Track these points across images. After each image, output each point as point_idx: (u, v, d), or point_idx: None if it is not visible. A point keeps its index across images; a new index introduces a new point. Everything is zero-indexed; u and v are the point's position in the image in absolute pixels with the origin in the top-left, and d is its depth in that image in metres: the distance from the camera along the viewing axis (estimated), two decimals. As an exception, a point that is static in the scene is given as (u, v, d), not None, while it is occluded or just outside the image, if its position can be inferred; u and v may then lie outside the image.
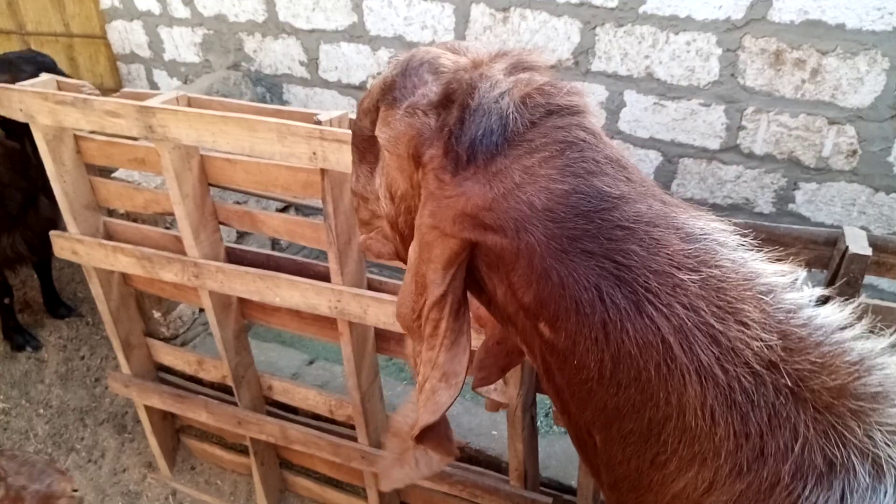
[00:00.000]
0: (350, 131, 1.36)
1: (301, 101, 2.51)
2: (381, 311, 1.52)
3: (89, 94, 1.75)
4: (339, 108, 2.45)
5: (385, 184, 0.72)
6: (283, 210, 2.44)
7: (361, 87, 2.39)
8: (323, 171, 1.43)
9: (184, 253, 1.79)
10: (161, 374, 2.09)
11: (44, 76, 1.84)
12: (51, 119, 1.71)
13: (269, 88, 2.51)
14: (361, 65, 2.32)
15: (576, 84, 0.58)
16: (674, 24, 1.82)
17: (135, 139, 1.65)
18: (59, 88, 1.83)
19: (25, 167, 2.43)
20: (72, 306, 3.34)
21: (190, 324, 2.19)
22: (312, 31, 2.33)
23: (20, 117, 1.75)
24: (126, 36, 2.74)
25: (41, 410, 2.71)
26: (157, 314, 2.09)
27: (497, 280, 0.61)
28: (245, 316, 1.89)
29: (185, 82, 2.74)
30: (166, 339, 2.09)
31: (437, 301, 0.63)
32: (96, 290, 2.02)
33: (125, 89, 1.65)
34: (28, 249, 2.93)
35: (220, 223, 1.78)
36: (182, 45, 2.63)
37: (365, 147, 0.76)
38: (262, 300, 1.68)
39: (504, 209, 0.58)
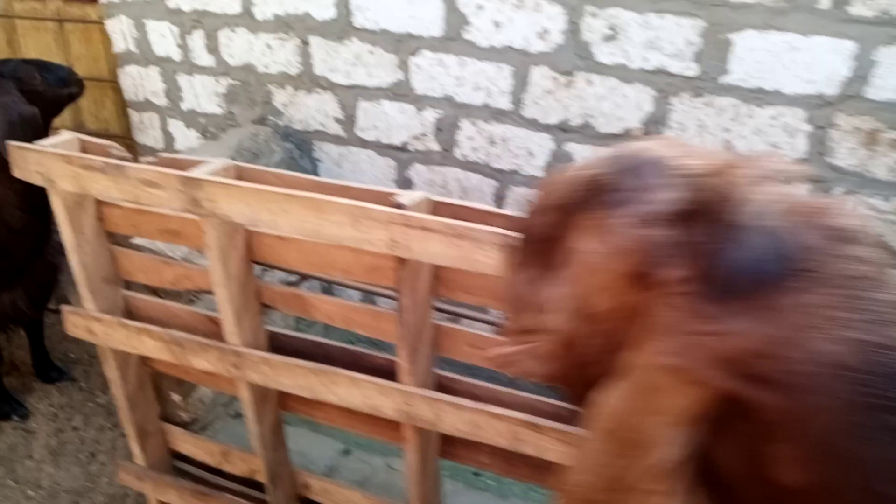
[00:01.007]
0: (434, 217, 1.21)
1: (333, 160, 2.39)
2: (458, 419, 1.36)
3: (119, 157, 1.59)
4: (376, 169, 2.33)
5: (573, 297, 0.61)
6: (297, 284, 2.26)
7: (402, 147, 2.27)
8: (400, 260, 1.27)
9: (220, 336, 1.63)
10: (176, 461, 1.90)
11: (65, 133, 1.68)
12: (74, 185, 1.56)
13: (299, 145, 2.39)
14: (404, 125, 2.21)
15: (845, 201, 0.51)
16: (759, 97, 1.73)
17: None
18: (83, 148, 1.67)
19: (42, 207, 2.26)
20: (63, 369, 3.13)
21: (211, 406, 2.01)
22: (351, 86, 2.22)
23: (38, 181, 1.59)
24: (140, 82, 2.61)
25: (30, 492, 2.53)
26: (176, 397, 1.90)
27: (738, 447, 0.51)
28: (284, 407, 1.72)
29: (204, 134, 2.60)
30: (185, 424, 1.90)
31: (665, 469, 0.47)
32: (112, 373, 1.85)
33: (163, 154, 1.50)
34: (30, 306, 2.76)
35: (264, 305, 1.61)
36: (203, 94, 2.51)
37: (536, 249, 0.67)
38: (315, 397, 1.50)
39: (786, 358, 0.47)
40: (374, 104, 2.33)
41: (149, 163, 1.60)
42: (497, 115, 2.15)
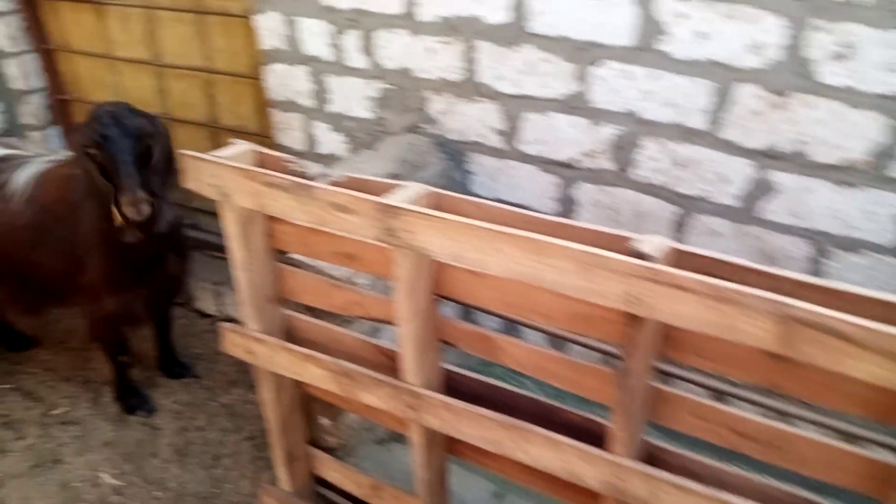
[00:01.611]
0: (691, 274, 1.04)
1: (489, 173, 2.25)
2: (680, 502, 1.17)
3: (300, 171, 1.49)
4: (536, 185, 2.17)
5: None
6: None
7: (568, 164, 2.13)
8: (632, 317, 1.10)
9: (391, 369, 1.51)
10: (318, 487, 1.82)
11: (240, 144, 1.59)
12: (252, 202, 1.47)
13: (452, 156, 2.27)
14: (574, 139, 2.05)
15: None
16: None
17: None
18: (259, 161, 1.58)
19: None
20: (188, 365, 3.13)
21: (357, 431, 1.91)
22: (518, 96, 2.08)
23: (210, 194, 1.51)
24: (285, 81, 2.55)
25: (157, 493, 2.54)
26: (325, 422, 1.82)
27: None
28: (454, 452, 1.58)
29: (351, 138, 2.51)
30: (331, 450, 1.80)
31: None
32: (266, 395, 1.77)
33: (349, 174, 1.39)
34: (157, 304, 2.83)
35: (443, 341, 1.49)
36: (353, 97, 2.42)
37: None
38: (500, 452, 1.36)
39: None
40: (543, 116, 2.17)
41: (334, 183, 1.50)
42: (688, 134, 1.96)
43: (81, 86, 3.69)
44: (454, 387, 1.58)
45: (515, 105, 2.24)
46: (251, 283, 1.68)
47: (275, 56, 2.69)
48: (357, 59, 2.48)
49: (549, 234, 1.21)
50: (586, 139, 2.15)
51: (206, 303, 3.50)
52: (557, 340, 2.24)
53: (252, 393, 2.87)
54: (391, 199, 1.35)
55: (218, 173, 1.54)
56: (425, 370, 1.52)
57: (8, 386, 3.06)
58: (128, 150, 2.06)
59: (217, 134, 3.36)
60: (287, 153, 2.91)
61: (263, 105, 3.13)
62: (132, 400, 2.88)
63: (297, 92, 2.70)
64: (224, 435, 2.80)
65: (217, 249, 3.39)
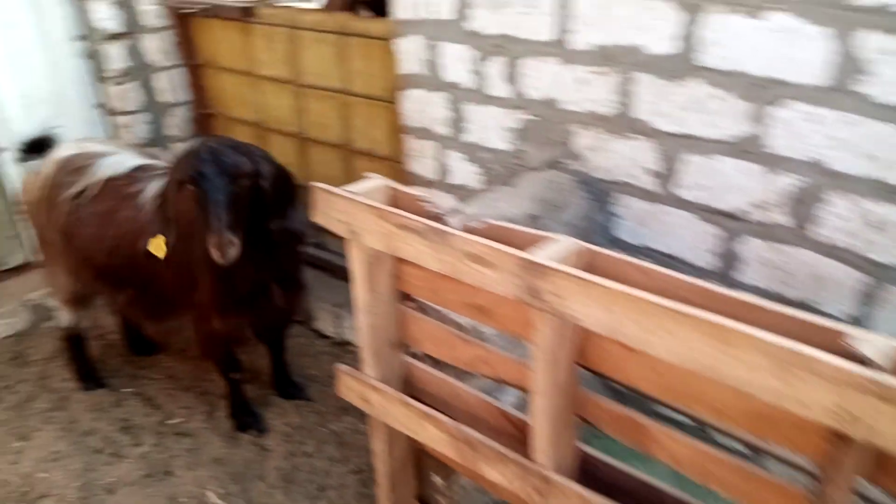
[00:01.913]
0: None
1: (637, 218, 2.03)
2: None
3: (435, 213, 1.33)
4: (692, 235, 1.93)
5: None
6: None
7: (734, 215, 1.88)
8: (839, 435, 0.85)
9: (517, 439, 1.32)
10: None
11: (374, 178, 1.46)
12: (383, 243, 1.32)
13: (596, 196, 2.07)
14: (742, 188, 1.81)
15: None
16: None
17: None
18: (393, 198, 1.43)
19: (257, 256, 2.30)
20: (301, 386, 3.07)
21: (471, 492, 1.74)
22: (679, 135, 1.86)
23: (339, 230, 1.38)
24: (422, 108, 2.45)
25: None
26: (438, 480, 1.64)
27: None
28: (584, 549, 1.36)
29: (486, 170, 2.35)
30: (440, 513, 1.64)
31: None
32: (378, 446, 1.62)
33: (488, 220, 1.22)
34: (253, 334, 2.85)
35: (582, 419, 1.28)
36: (491, 127, 2.28)
37: None
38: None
39: None
40: (707, 159, 1.93)
41: (470, 229, 1.34)
42: (887, 192, 1.65)
43: (224, 101, 3.78)
44: (591, 473, 1.37)
45: (674, 144, 2.01)
46: (373, 327, 1.55)
47: (413, 81, 2.59)
48: (499, 88, 2.34)
49: (734, 316, 0.98)
50: (758, 188, 1.89)
51: (325, 323, 3.46)
52: (704, 428, 1.95)
53: (363, 423, 2.79)
54: (537, 255, 1.17)
55: (348, 210, 1.42)
56: (559, 451, 1.33)
57: (131, 390, 3.14)
58: (221, 189, 2.03)
59: (349, 156, 3.32)
60: (418, 181, 2.83)
61: (397, 130, 3.05)
62: (245, 418, 2.87)
63: (434, 119, 2.59)
64: (331, 464, 2.71)
65: (340, 271, 3.35)
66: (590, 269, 1.19)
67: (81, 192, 2.56)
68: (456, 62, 2.41)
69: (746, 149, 1.87)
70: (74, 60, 3.62)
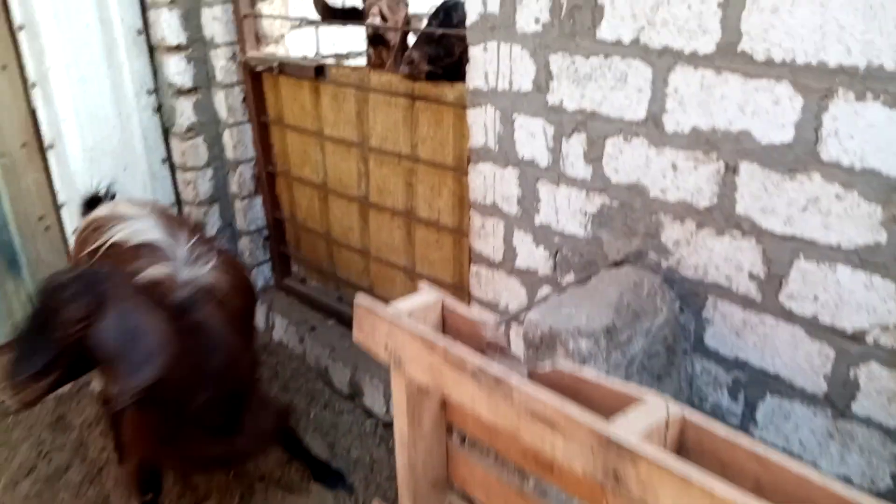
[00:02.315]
0: None
1: (732, 327, 1.73)
2: None
3: (498, 344, 1.07)
4: (799, 354, 1.61)
5: None
6: None
7: (854, 336, 1.55)
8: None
9: None
10: None
11: (427, 291, 1.22)
12: (428, 377, 1.08)
13: (684, 296, 1.77)
14: (867, 305, 1.51)
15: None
16: None
17: None
18: (445, 320, 1.18)
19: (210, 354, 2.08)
20: (342, 473, 2.81)
21: None
22: (789, 237, 1.57)
23: (381, 355, 1.12)
24: (492, 183, 2.23)
25: None
26: None
27: None
28: None
29: (555, 256, 2.10)
30: None
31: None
32: None
33: (559, 361, 0.94)
34: (253, 447, 2.59)
35: None
36: (566, 210, 2.03)
37: None
38: None
39: None
40: (823, 267, 1.62)
41: (536, 374, 1.07)
42: None
43: (289, 160, 3.66)
44: None
45: (783, 247, 1.69)
46: (413, 465, 1.29)
47: (483, 154, 2.37)
48: (577, 168, 2.08)
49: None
50: (885, 307, 1.55)
51: (373, 400, 3.22)
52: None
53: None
54: (621, 428, 0.89)
55: (393, 334, 1.18)
56: None
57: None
58: (27, 329, 1.81)
59: (411, 224, 3.12)
60: (479, 261, 2.58)
61: (462, 201, 2.83)
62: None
63: (503, 196, 2.35)
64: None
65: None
66: (689, 447, 0.90)
67: (94, 252, 2.42)
68: (531, 137, 2.18)
69: (875, 260, 1.54)
70: (144, 114, 3.58)
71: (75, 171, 3.44)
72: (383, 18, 3.03)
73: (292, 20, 3.71)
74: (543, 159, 2.18)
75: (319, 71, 3.16)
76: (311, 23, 3.98)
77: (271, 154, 3.73)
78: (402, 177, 3.08)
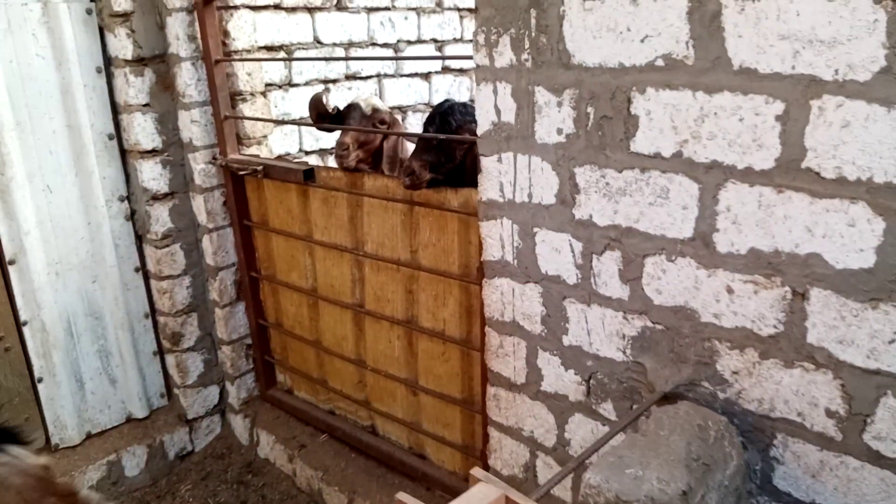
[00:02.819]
0: None
1: (808, 469, 1.52)
2: None
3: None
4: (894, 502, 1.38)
5: None
6: None
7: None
8: None
9: None
10: None
11: (484, 483, 0.99)
12: None
13: (746, 432, 1.53)
14: None
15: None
16: None
17: None
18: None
19: None
20: None
21: None
22: (872, 371, 1.37)
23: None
24: (511, 300, 2.02)
25: None
26: None
27: None
28: None
29: (588, 381, 1.88)
30: None
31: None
32: None
33: None
34: None
35: None
36: (599, 331, 1.82)
37: None
38: None
39: None
40: (918, 408, 1.40)
41: None
42: None
43: (274, 264, 3.41)
44: None
45: (867, 383, 1.49)
46: None
47: (500, 269, 2.16)
48: (612, 287, 1.88)
49: None
50: None
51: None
52: None
53: None
54: None
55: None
56: None
57: None
58: None
59: (412, 335, 2.87)
60: (501, 382, 2.33)
61: (469, 311, 2.61)
62: None
63: (524, 314, 2.13)
64: None
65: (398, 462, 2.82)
66: None
67: None
68: (556, 253, 1.98)
69: None
70: (115, 222, 3.32)
71: (39, 286, 3.14)
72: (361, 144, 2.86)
73: (275, 122, 3.53)
74: (571, 276, 1.98)
75: (308, 175, 2.95)
76: (295, 123, 3.81)
77: (255, 259, 3.48)
78: (401, 284, 2.85)
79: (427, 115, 2.54)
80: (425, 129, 2.49)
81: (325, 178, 2.97)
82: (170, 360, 3.63)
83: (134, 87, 3.13)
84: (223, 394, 3.78)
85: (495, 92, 1.98)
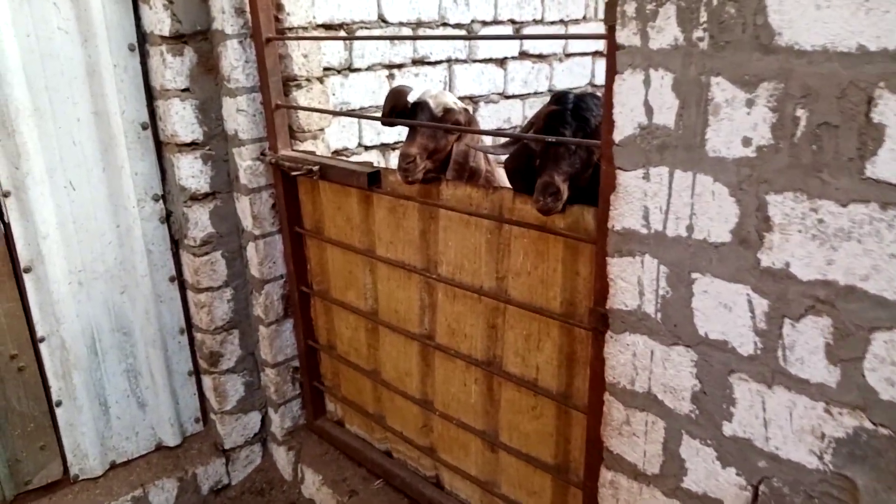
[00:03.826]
0: None
1: None
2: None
3: None
4: None
5: None
6: None
7: None
8: None
9: None
10: None
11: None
12: None
13: None
14: None
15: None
16: None
17: None
18: None
19: None
20: None
21: None
22: None
23: None
24: (647, 364, 1.58)
25: None
26: None
27: None
28: None
29: (757, 487, 1.36)
30: None
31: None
32: None
33: None
34: None
35: None
36: (784, 424, 1.37)
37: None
38: None
39: None
40: None
41: None
42: None
43: (328, 279, 2.92)
44: None
45: None
46: None
47: (634, 322, 1.61)
48: (811, 367, 1.32)
49: None
50: None
51: None
52: None
53: None
54: None
55: None
56: None
57: None
58: None
59: (494, 380, 2.35)
60: (622, 467, 1.76)
61: (571, 359, 2.06)
62: None
63: (666, 386, 1.58)
64: None
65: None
66: None
67: None
68: (724, 310, 1.42)
69: None
70: (148, 225, 2.86)
71: (59, 298, 2.71)
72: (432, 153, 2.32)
73: (337, 114, 3.03)
74: (746, 344, 1.42)
75: (374, 178, 2.44)
76: (361, 116, 3.31)
77: (307, 272, 2.99)
78: (483, 317, 2.32)
79: (545, 110, 1.97)
80: (549, 129, 1.93)
81: (393, 184, 2.45)
82: (206, 381, 3.18)
83: (172, 69, 2.65)
84: (265, 421, 3.32)
85: (647, 83, 1.42)
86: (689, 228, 1.44)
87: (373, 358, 2.87)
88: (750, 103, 1.28)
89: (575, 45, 4.28)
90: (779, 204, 1.29)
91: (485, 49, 3.84)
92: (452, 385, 2.51)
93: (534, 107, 4.18)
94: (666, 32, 1.36)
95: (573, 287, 2.03)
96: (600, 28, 4.47)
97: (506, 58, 4.01)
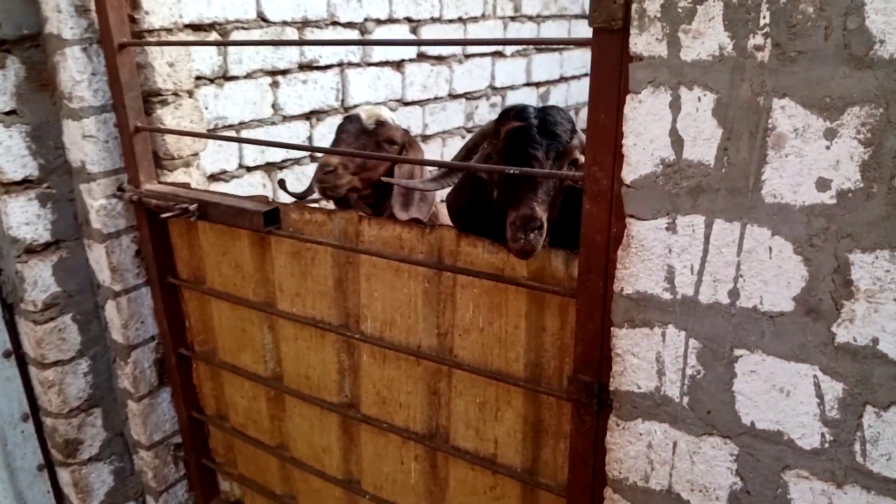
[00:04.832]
0: None
1: None
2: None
3: None
4: None
5: None
6: None
7: None
8: None
9: None
10: None
11: None
12: None
13: None
14: None
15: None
16: None
17: None
18: None
19: None
20: None
21: None
22: None
23: None
24: (668, 458, 1.25)
25: None
26: None
27: None
28: None
29: None
30: None
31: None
32: None
33: None
34: None
35: None
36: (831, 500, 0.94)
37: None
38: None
39: None
40: None
41: None
42: None
43: (214, 339, 2.40)
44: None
45: None
46: None
47: (648, 408, 1.28)
48: (877, 461, 1.04)
49: None
50: None
51: None
52: None
53: None
54: None
55: None
56: None
57: None
58: None
59: (438, 458, 1.96)
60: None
61: (538, 430, 1.72)
62: None
63: (694, 484, 1.26)
64: None
65: None
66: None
67: None
68: (780, 395, 1.12)
69: None
70: (-31, 288, 2.23)
71: None
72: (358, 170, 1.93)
73: (215, 138, 2.51)
74: (810, 436, 1.12)
75: (272, 217, 1.97)
76: (244, 140, 2.80)
77: (185, 330, 2.45)
78: (421, 382, 1.92)
79: (507, 128, 1.59)
80: (515, 151, 1.56)
81: (296, 223, 1.99)
82: (63, 475, 2.55)
83: (-11, 85, 2.05)
84: (143, 512, 2.74)
85: (677, 106, 1.09)
86: (734, 294, 1.12)
87: (278, 431, 2.38)
88: (831, 134, 0.97)
89: (474, 46, 3.96)
90: (867, 265, 1.00)
91: (380, 51, 3.42)
92: (386, 463, 2.09)
93: (434, 114, 3.82)
94: (707, 39, 1.03)
95: (539, 346, 1.68)
96: (498, 27, 4.17)
97: (403, 60, 3.61)
